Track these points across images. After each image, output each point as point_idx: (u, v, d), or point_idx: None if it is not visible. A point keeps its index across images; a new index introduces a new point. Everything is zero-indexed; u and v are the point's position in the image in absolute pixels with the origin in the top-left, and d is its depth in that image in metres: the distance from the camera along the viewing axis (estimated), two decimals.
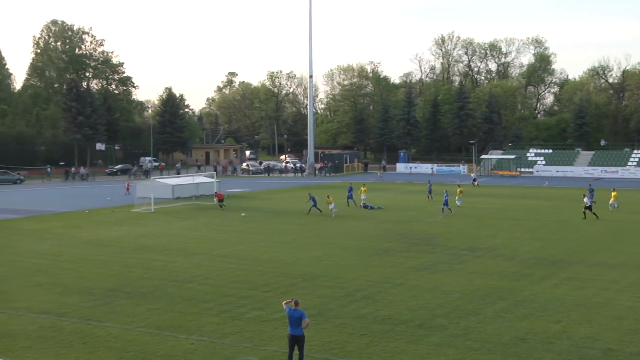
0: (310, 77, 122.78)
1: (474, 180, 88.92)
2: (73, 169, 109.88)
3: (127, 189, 76.39)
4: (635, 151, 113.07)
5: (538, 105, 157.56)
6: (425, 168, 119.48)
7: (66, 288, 30.49)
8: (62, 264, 36.16)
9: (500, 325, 24.27)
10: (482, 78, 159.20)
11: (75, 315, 25.93)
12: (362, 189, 62.33)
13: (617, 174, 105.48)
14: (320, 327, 23.44)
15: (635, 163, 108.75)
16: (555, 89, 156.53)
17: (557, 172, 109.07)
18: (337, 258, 37.30)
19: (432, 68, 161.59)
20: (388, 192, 77.92)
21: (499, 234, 45.80)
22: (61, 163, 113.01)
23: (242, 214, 55.87)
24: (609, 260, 36.17)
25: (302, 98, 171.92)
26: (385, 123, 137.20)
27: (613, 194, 58.64)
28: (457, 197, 60.30)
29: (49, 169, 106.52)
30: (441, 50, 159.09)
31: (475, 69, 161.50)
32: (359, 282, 31.11)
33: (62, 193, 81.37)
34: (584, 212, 52.01)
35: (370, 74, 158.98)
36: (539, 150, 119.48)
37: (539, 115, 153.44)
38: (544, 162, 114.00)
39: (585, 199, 53.42)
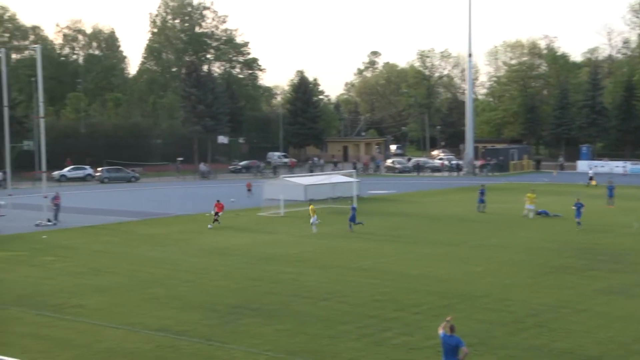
0: (470, 56, 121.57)
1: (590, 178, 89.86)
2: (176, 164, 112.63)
3: (249, 190, 77.54)
4: None
5: None
6: (616, 167, 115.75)
7: (185, 302, 31.34)
8: (181, 275, 37.20)
9: None
10: None
11: (196, 335, 26.60)
12: (530, 195, 59.54)
13: None
14: (482, 359, 23.15)
15: None
16: None
17: None
18: (502, 275, 36.70)
19: (626, 42, 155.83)
20: (564, 195, 75.91)
21: None
22: (179, 159, 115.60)
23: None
24: None
25: (459, 81, 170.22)
26: (563, 111, 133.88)
27: None
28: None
29: (202, 166, 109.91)
30: (639, 18, 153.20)
31: None
32: (530, 306, 30.48)
33: (180, 193, 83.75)
34: None
35: (544, 51, 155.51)
36: None
37: None
38: None
39: None
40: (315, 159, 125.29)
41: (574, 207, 52.59)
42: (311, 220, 51.93)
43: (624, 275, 36.47)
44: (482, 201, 62.41)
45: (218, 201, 55.02)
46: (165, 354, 24.56)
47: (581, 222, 51.17)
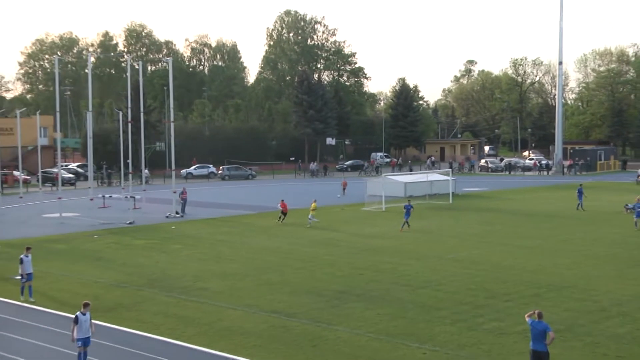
0: (560, 63, 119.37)
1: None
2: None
3: (344, 189, 76.94)
4: None
5: None
6: None
7: (296, 288, 31.65)
8: (292, 263, 37.58)
9: None
10: None
11: (305, 316, 26.84)
12: None
13: None
14: (568, 345, 22.72)
15: None
16: None
17: None
18: (588, 267, 35.98)
19: None
20: None
21: None
22: (292, 158, 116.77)
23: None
24: None
25: (550, 87, 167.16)
26: None
27: None
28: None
29: (312, 165, 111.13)
30: None
31: None
32: (614, 296, 29.81)
33: (292, 189, 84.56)
34: None
35: (633, 58, 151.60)
36: None
37: None
38: None
39: None
40: (432, 157, 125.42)
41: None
42: (309, 216, 51.75)
43: None
44: (581, 199, 60.08)
45: (282, 200, 53.90)
46: (278, 334, 24.84)
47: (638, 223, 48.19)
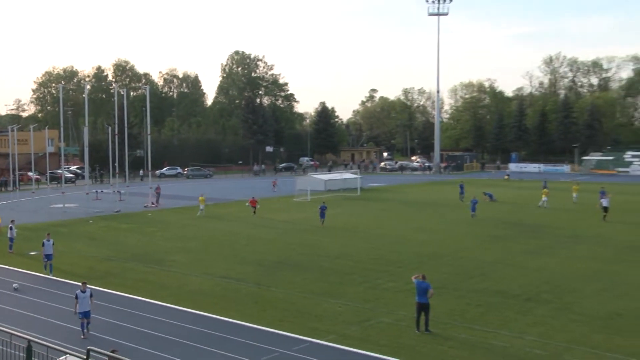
0: (438, 92, 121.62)
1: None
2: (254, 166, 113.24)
3: (274, 186, 75.70)
4: None
5: (635, 114, 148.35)
6: (534, 167, 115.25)
7: (243, 259, 31.55)
8: (239, 240, 37.37)
9: (598, 302, 23.25)
10: (585, 91, 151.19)
11: (250, 281, 26.80)
12: (545, 191, 55.40)
13: None
14: (443, 298, 23.19)
15: None
16: None
17: None
18: (458, 242, 36.71)
19: (541, 83, 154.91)
20: (507, 188, 75.46)
21: (599, 224, 43.51)
22: (240, 162, 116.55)
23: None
24: None
25: (430, 109, 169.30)
26: (500, 130, 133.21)
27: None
28: (574, 195, 56.99)
29: (256, 167, 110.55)
30: (549, 68, 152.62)
31: (579, 83, 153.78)
32: (476, 262, 30.54)
33: (240, 185, 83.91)
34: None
35: (488, 89, 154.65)
36: (635, 152, 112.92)
37: (635, 122, 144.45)
38: (639, 163, 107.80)
39: (603, 201, 46.28)
40: (367, 161, 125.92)
41: (469, 202, 50.16)
42: (200, 207, 49.67)
43: (539, 241, 36.36)
44: (462, 193, 60.03)
45: (253, 198, 52.10)
46: (229, 294, 24.78)
47: (475, 215, 46.83)
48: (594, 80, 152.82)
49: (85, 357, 10.84)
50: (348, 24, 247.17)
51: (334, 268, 29.32)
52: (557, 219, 45.98)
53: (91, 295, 19.82)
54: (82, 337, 19.20)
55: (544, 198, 53.83)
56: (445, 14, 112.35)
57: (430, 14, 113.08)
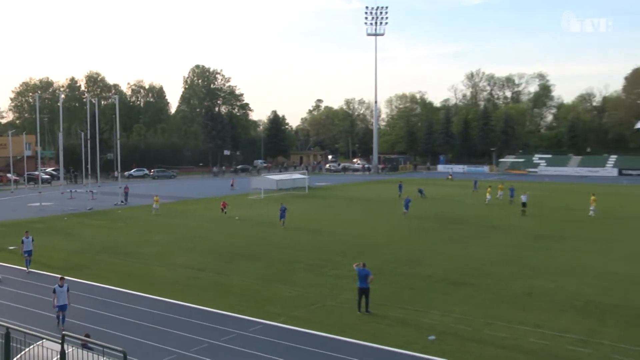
0: (375, 102, 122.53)
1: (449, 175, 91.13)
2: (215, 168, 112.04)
3: (232, 185, 75.02)
4: (612, 156, 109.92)
5: (541, 122, 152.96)
6: (458, 168, 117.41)
7: (203, 251, 31.28)
8: (200, 234, 37.02)
9: (512, 283, 23.90)
10: (500, 102, 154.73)
11: (210, 270, 26.60)
12: (500, 186, 56.16)
13: (598, 173, 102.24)
14: (381, 283, 23.44)
15: (611, 165, 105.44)
16: (554, 110, 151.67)
17: (555, 171, 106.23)
18: (394, 233, 37.15)
19: (464, 95, 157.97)
20: (435, 185, 76.64)
21: (514, 216, 44.61)
22: (200, 164, 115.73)
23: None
24: (588, 237, 35.07)
25: (369, 118, 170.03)
26: (429, 135, 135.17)
27: (593, 198, 46.17)
28: (498, 192, 57.44)
29: (215, 168, 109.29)
30: (470, 82, 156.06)
31: (495, 96, 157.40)
32: (408, 250, 30.98)
33: (201, 185, 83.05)
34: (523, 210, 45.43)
35: (419, 100, 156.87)
36: (542, 155, 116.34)
37: (541, 130, 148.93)
38: (545, 164, 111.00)
39: (523, 197, 46.56)
40: (312, 164, 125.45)
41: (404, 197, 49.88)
42: (154, 206, 47.47)
43: (461, 232, 37.12)
44: (400, 191, 60.48)
45: (223, 202, 49.64)
46: (191, 282, 24.56)
47: (407, 212, 45.42)
48: (508, 93, 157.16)
49: (60, 341, 10.64)
50: (298, 42, 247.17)
51: (284, 258, 29.34)
52: (479, 213, 46.99)
53: (68, 290, 19.11)
54: (58, 327, 18.76)
55: (488, 196, 54.58)
56: (382, 35, 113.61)
57: (369, 34, 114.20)
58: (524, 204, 46.05)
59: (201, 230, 38.65)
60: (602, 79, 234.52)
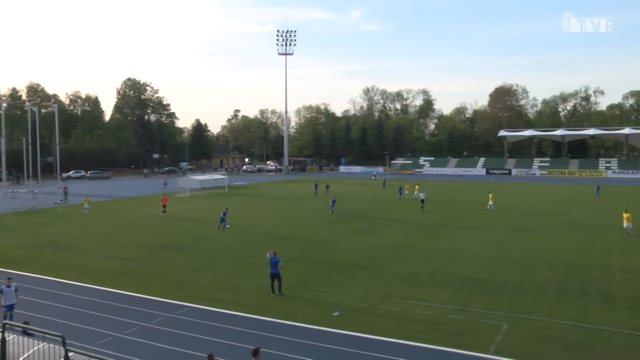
0: (286, 112, 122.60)
1: (374, 175, 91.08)
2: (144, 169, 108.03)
3: (165, 184, 73.54)
4: (481, 158, 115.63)
5: (425, 130, 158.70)
6: (357, 169, 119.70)
7: (136, 243, 30.17)
8: (134, 228, 35.72)
9: (403, 266, 24.57)
10: (392, 113, 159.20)
11: (142, 260, 25.71)
12: (416, 186, 55.34)
13: (471, 172, 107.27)
14: (293, 268, 23.55)
15: (481, 165, 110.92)
16: (435, 120, 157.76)
17: (437, 171, 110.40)
18: (304, 226, 37.26)
19: (361, 107, 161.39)
20: (337, 184, 77.56)
21: (404, 210, 45.78)
22: (132, 166, 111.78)
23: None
24: (467, 226, 36.74)
25: (281, 125, 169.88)
26: (332, 141, 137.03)
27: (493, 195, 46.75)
28: (415, 192, 55.07)
29: (145, 170, 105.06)
30: (367, 96, 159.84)
31: (388, 108, 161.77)
32: (316, 240, 31.17)
33: (133, 185, 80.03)
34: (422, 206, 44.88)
35: (323, 111, 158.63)
36: (426, 158, 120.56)
37: (426, 137, 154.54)
38: (429, 165, 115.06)
39: (421, 194, 46.24)
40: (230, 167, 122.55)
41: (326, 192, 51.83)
42: (85, 206, 44.16)
43: (362, 224, 37.68)
44: (316, 190, 59.89)
45: (164, 196, 47.48)
46: (126, 271, 23.63)
47: (334, 210, 48.77)
48: (398, 106, 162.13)
49: (1, 330, 9.90)
50: (219, 58, 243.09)
51: (208, 248, 28.81)
52: (379, 208, 47.92)
53: (16, 290, 17.20)
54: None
55: (406, 192, 54.58)
56: (291, 54, 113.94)
57: (280, 54, 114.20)
58: (422, 201, 45.56)
59: (135, 225, 37.24)
60: (473, 95, 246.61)
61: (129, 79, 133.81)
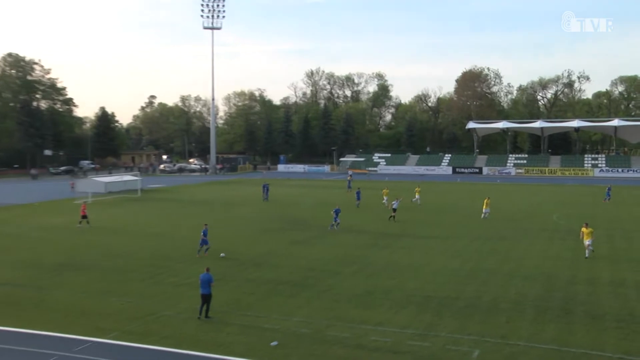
0: (213, 99, 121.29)
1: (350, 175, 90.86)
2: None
3: (72, 187, 72.18)
4: (446, 155, 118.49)
5: (380, 122, 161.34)
6: (299, 168, 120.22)
7: (25, 263, 29.11)
8: (21, 244, 34.47)
9: (354, 282, 24.89)
10: (341, 101, 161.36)
11: (31, 285, 24.83)
12: (385, 191, 54.87)
13: (434, 171, 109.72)
14: (222, 289, 23.35)
15: (446, 163, 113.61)
16: (392, 110, 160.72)
17: (394, 170, 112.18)
18: (236, 236, 37.09)
19: (304, 93, 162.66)
20: (276, 186, 77.44)
21: (356, 216, 45.94)
22: (15, 166, 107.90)
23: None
24: (428, 235, 37.57)
25: (206, 115, 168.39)
26: (269, 134, 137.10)
27: (417, 189, 55.55)
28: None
29: (33, 170, 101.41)
30: (310, 80, 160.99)
31: (336, 95, 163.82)
32: (250, 254, 31.10)
33: (18, 189, 77.12)
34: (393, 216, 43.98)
35: (258, 98, 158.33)
36: (381, 154, 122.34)
37: (381, 129, 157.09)
38: (385, 163, 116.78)
39: (394, 203, 45.14)
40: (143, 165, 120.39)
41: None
42: None
43: (304, 233, 37.98)
44: (266, 193, 59.18)
45: (84, 202, 46.11)
46: (9, 300, 22.74)
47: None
48: (348, 92, 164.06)
49: None
50: (129, 33, 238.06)
51: (117, 267, 28.18)
52: (322, 214, 48.29)
53: None
54: None
55: (384, 199, 53.16)
56: (219, 28, 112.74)
57: (205, 28, 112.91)
58: (394, 210, 44.60)
59: (21, 240, 35.93)
60: (436, 81, 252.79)
61: (10, 55, 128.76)
